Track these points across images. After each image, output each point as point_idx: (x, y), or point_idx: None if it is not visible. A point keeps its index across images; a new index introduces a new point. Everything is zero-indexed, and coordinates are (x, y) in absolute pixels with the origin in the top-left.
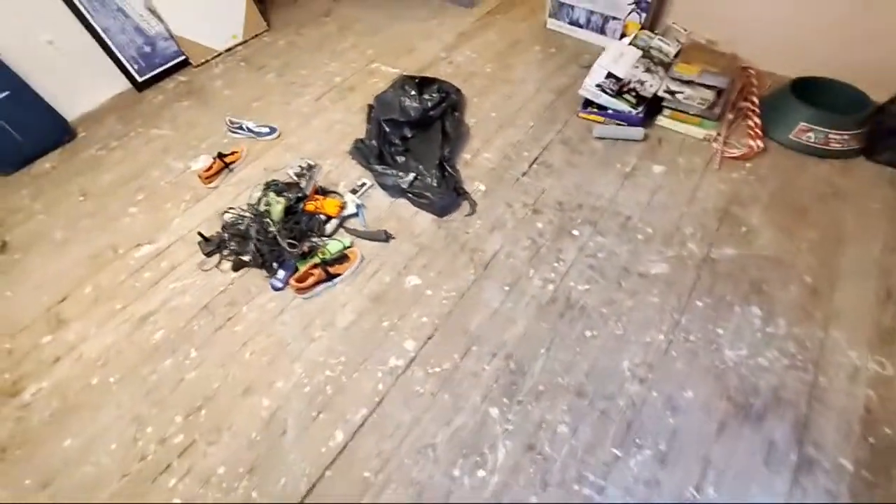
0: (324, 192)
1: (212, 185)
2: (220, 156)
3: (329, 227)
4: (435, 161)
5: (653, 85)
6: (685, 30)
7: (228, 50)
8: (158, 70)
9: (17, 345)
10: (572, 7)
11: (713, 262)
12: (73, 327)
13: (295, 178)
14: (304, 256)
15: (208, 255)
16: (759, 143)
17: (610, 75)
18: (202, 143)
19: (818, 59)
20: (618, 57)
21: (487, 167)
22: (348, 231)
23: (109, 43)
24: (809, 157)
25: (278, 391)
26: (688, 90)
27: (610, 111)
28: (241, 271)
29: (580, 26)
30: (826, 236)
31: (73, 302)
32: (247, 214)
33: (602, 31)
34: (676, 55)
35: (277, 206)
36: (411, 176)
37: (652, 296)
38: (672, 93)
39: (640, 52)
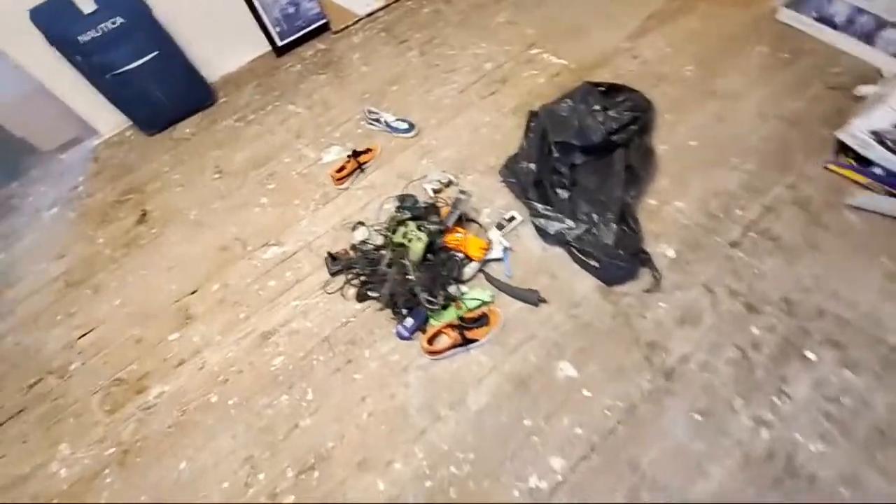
0: (465, 218)
1: (342, 186)
2: (355, 154)
3: (468, 271)
4: (613, 206)
5: None
6: None
7: (370, 14)
8: (298, 34)
9: (146, 334)
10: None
11: None
12: (199, 328)
13: (432, 194)
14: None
15: (333, 274)
16: None
17: None
18: (336, 131)
19: None
20: None
21: (680, 223)
22: (490, 280)
23: (256, 1)
24: None
25: (397, 475)
26: None
27: (881, 171)
28: (366, 303)
29: (834, 26)
30: None
31: (201, 298)
32: (380, 239)
33: (870, 40)
34: None
35: (418, 244)
36: (582, 228)
37: None
38: None
39: None
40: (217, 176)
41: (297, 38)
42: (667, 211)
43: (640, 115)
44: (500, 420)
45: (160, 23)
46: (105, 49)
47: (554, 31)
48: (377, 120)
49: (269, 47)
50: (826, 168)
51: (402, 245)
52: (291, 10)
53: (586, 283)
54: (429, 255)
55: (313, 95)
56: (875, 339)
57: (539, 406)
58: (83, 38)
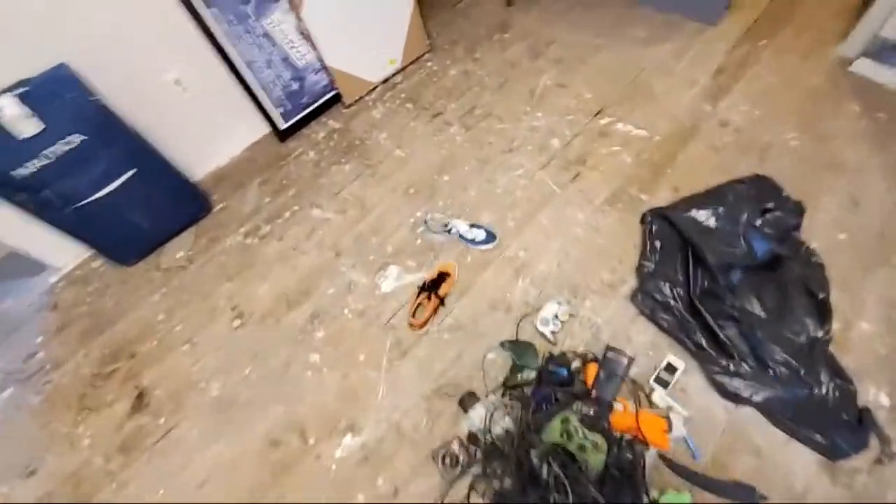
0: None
1: (423, 330)
2: (431, 287)
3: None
4: (815, 351)
5: None
6: None
7: (385, 81)
8: (304, 112)
9: None
10: None
11: None
12: None
13: (550, 336)
14: None
15: (452, 482)
16: None
17: None
18: (386, 244)
19: None
20: None
21: (877, 352)
22: (679, 472)
23: (252, 80)
24: None
25: None
26: None
27: None
28: None
29: None
30: None
31: None
32: (502, 414)
33: None
34: None
35: (597, 456)
36: (780, 388)
37: None
38: None
39: None
40: (237, 323)
41: (303, 116)
42: (854, 337)
43: (798, 219)
44: None
45: (135, 131)
46: (60, 178)
47: (614, 93)
48: (447, 230)
49: (268, 128)
50: None
51: (562, 448)
52: (295, 86)
53: (802, 459)
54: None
55: (342, 193)
56: None
57: None
58: (22, 171)
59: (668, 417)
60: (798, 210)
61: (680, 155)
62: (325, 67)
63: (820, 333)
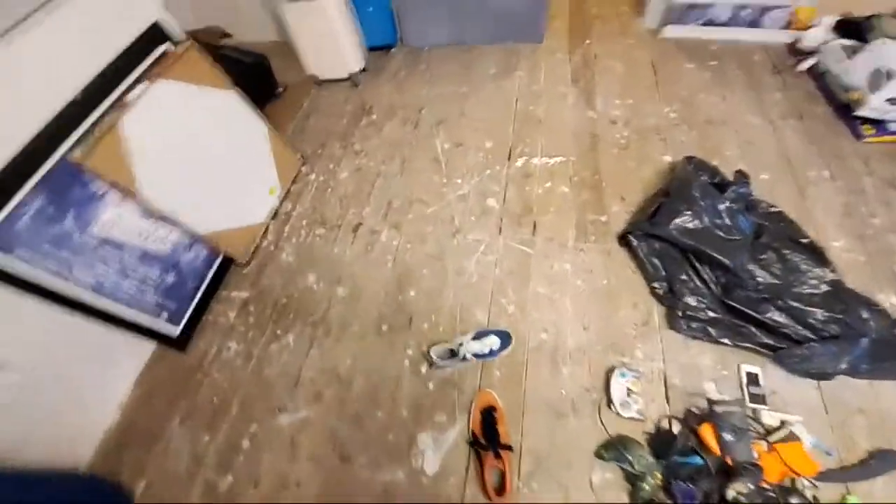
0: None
1: (506, 497)
2: (487, 437)
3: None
4: (822, 294)
5: None
6: None
7: (275, 216)
8: (196, 301)
9: None
10: (708, 6)
11: None
12: None
13: (640, 416)
14: None
15: None
16: None
17: None
18: (397, 410)
19: None
20: None
21: (858, 261)
22: (834, 480)
23: (108, 304)
24: None
25: None
26: None
27: None
28: None
29: (720, 25)
30: None
31: None
32: None
33: (758, 24)
34: None
35: None
36: (842, 345)
37: None
38: None
39: None
40: None
41: (196, 306)
42: (835, 259)
43: (747, 184)
44: None
45: None
46: None
47: (509, 132)
48: (456, 356)
49: (155, 347)
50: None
51: None
52: (171, 277)
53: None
54: None
55: (302, 377)
56: None
57: None
58: None
59: (791, 433)
60: (743, 176)
61: (601, 165)
62: (198, 239)
63: (829, 275)
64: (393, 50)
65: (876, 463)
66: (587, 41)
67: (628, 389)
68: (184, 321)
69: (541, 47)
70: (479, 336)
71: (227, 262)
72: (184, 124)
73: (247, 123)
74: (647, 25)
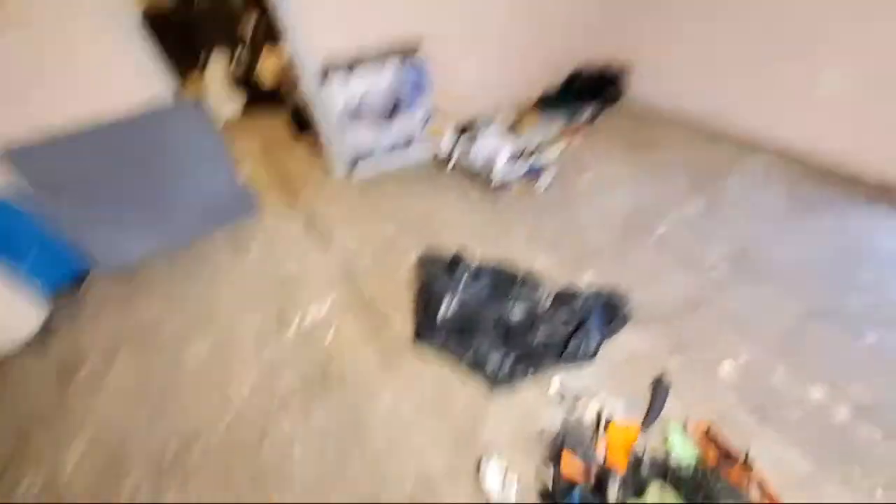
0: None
1: None
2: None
3: None
4: (536, 310)
5: None
6: None
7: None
8: None
9: None
10: (372, 151)
11: None
12: None
13: (507, 496)
14: None
15: None
16: None
17: None
18: None
19: None
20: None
21: (553, 268)
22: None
23: None
24: None
25: None
26: None
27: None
28: None
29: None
30: None
31: None
32: None
33: (407, 146)
34: None
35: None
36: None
37: None
38: None
39: None
40: None
41: None
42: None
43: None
44: None
45: None
46: None
47: (274, 312)
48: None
49: None
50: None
51: None
52: None
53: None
54: None
55: None
56: None
57: None
58: None
59: (608, 414)
60: (461, 254)
61: (366, 295)
62: None
63: (547, 289)
64: (86, 281)
65: (658, 392)
66: (299, 197)
67: (504, 473)
68: None
69: (261, 216)
70: None
71: None
72: None
73: None
74: (339, 175)
